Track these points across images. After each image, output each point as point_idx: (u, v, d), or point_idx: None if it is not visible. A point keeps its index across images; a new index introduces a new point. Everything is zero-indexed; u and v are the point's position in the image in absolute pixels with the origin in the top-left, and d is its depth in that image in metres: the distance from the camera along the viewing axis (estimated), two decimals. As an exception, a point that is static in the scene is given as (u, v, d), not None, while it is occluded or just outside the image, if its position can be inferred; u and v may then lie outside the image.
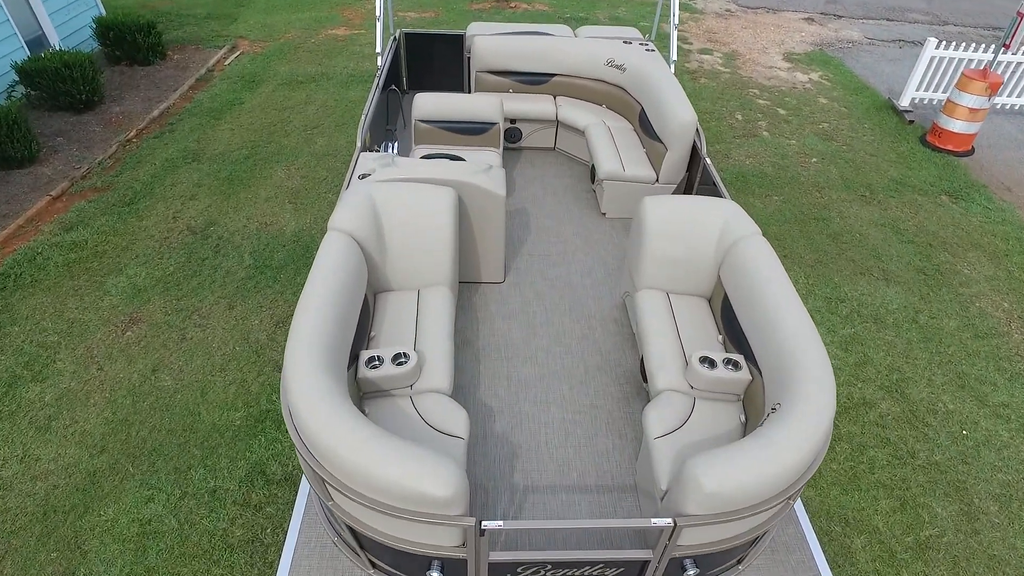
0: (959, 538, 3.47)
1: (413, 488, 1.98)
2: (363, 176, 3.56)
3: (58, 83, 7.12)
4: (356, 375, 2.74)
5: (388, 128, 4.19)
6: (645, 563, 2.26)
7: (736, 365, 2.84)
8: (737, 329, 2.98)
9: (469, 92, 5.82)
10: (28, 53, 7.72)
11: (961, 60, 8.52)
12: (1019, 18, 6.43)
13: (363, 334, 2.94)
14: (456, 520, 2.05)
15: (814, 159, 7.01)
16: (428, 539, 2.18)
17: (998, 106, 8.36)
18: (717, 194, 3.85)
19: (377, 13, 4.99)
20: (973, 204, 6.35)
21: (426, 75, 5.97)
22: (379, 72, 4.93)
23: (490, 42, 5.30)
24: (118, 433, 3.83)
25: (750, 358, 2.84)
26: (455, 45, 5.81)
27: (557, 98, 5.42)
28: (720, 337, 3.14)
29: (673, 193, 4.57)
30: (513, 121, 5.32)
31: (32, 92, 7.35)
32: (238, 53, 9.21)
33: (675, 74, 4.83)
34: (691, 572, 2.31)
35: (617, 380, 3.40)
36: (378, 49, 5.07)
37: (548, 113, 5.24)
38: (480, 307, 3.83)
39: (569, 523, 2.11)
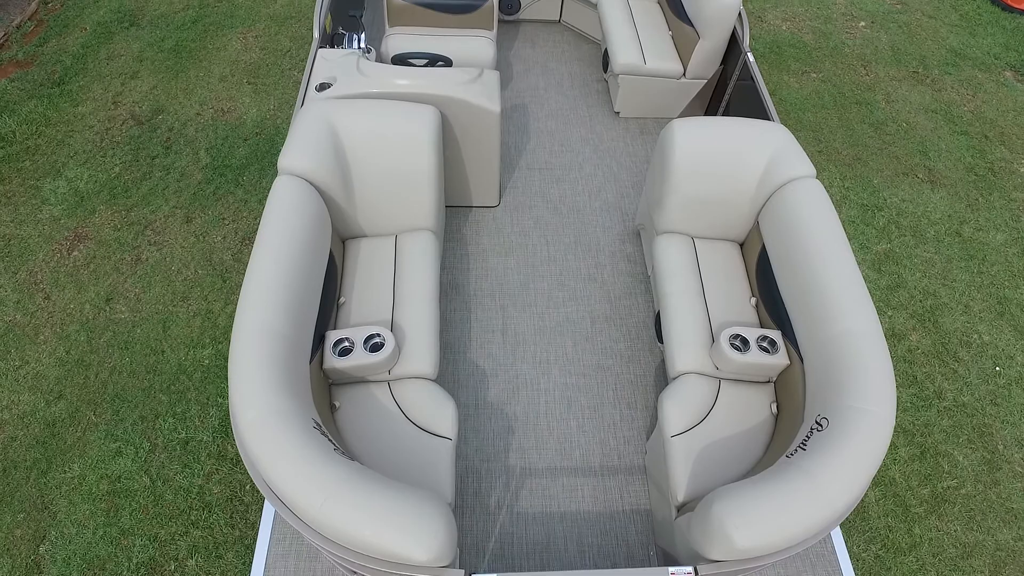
0: (978, 490, 3.30)
1: (389, 551, 1.64)
2: (321, 87, 2.82)
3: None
4: (323, 363, 2.31)
5: (352, 15, 3.32)
6: None
7: (772, 345, 2.40)
8: (775, 294, 2.49)
9: None
10: None
11: None
12: None
13: (330, 304, 2.45)
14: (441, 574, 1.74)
15: (862, 23, 5.98)
16: None
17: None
18: (756, 98, 3.14)
19: None
20: (1040, 83, 5.51)
21: None
22: None
23: None
24: (74, 376, 3.48)
25: (788, 333, 2.39)
26: None
27: None
28: (753, 300, 2.66)
29: (704, 91, 3.79)
30: None
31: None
32: None
33: None
34: None
35: (627, 334, 2.98)
36: None
37: None
38: (471, 239, 3.29)
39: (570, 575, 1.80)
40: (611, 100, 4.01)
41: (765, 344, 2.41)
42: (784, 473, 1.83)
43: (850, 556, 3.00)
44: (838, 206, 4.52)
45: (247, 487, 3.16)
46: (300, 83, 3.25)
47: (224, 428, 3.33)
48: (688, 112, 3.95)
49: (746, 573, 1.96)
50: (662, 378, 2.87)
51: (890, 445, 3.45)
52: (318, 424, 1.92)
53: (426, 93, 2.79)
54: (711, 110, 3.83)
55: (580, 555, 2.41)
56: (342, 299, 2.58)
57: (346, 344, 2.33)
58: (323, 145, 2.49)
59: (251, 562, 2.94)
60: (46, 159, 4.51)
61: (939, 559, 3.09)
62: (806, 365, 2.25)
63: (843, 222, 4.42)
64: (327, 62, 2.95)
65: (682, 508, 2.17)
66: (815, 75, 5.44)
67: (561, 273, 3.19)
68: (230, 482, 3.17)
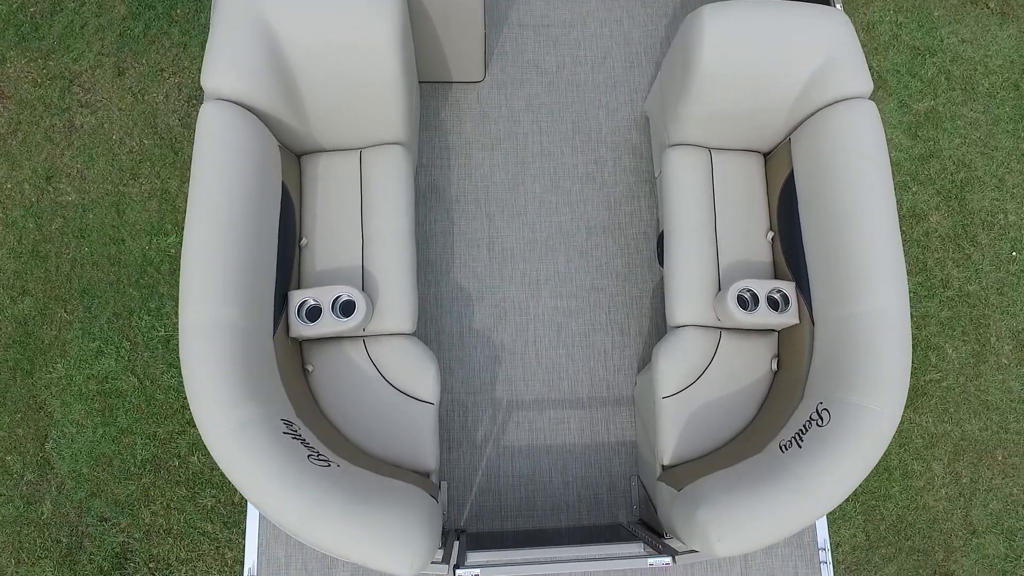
0: (958, 382, 3.36)
1: (370, 566, 1.65)
2: None
3: None
4: (288, 330, 2.10)
5: None
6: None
7: (784, 301, 2.19)
8: (795, 236, 2.20)
9: None
10: None
11: None
12: None
13: (290, 252, 2.16)
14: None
15: None
16: None
17: None
18: None
19: None
20: None
21: None
22: None
23: None
24: (34, 270, 3.27)
25: (803, 287, 2.17)
26: None
27: None
28: (770, 235, 2.37)
29: None
30: None
31: None
32: None
33: None
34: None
35: (625, 247, 2.73)
36: None
37: None
38: (451, 126, 2.82)
39: (556, 552, 1.86)
40: None
41: (777, 297, 2.19)
42: (775, 477, 1.78)
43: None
44: (885, 49, 3.86)
45: (236, 386, 3.18)
46: None
47: (204, 325, 3.23)
48: None
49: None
50: (659, 299, 2.69)
51: (882, 338, 3.42)
52: (288, 424, 1.80)
53: None
54: None
55: (564, 486, 2.50)
56: (303, 240, 2.27)
57: (312, 303, 2.10)
58: (256, 52, 1.95)
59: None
60: (-73, -17, 3.67)
61: (904, 449, 3.27)
62: (817, 331, 2.07)
63: (887, 72, 3.81)
64: None
65: (667, 468, 2.18)
66: None
67: (555, 172, 2.80)
68: (219, 381, 3.17)
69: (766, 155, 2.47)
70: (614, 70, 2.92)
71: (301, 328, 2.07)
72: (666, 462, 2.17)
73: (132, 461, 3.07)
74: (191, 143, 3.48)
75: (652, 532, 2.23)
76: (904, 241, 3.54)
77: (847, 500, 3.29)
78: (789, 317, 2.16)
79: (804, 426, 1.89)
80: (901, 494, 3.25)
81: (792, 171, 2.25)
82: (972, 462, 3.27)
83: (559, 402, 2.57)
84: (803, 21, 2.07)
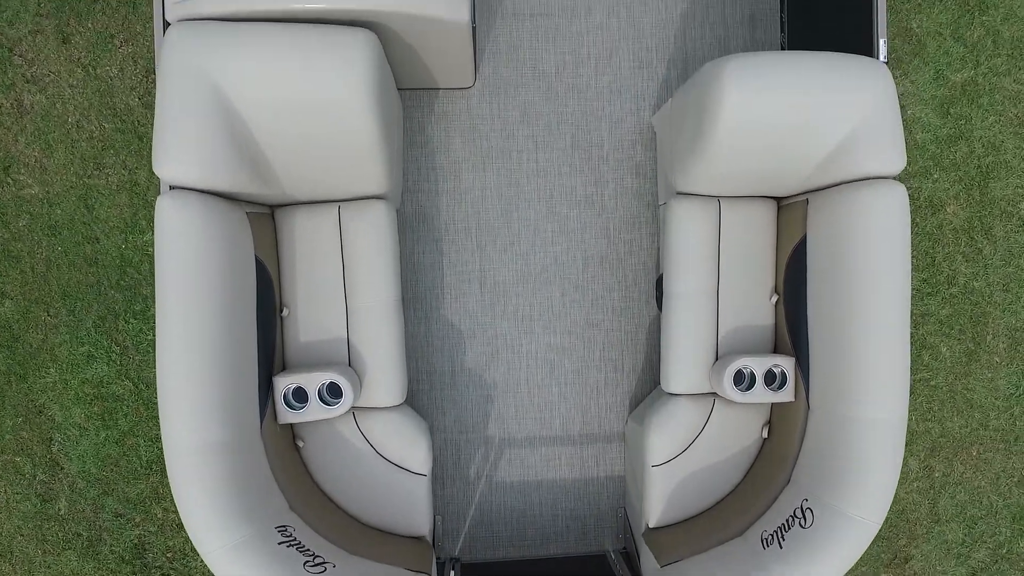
0: (947, 381, 3.40)
1: None
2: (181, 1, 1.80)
3: None
4: (276, 416, 2.07)
5: None
6: None
7: (783, 379, 2.14)
8: (800, 309, 2.11)
9: None
10: None
11: None
12: None
13: (271, 329, 2.07)
14: None
15: None
16: None
17: None
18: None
19: None
20: None
21: None
22: None
23: None
24: (8, 270, 3.15)
25: (802, 363, 2.12)
26: None
27: None
28: (774, 300, 2.25)
29: None
30: None
31: None
32: None
33: None
34: None
35: (623, 280, 2.63)
36: None
37: None
38: (439, 144, 2.58)
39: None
40: None
41: (775, 371, 2.14)
42: None
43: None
44: (930, 5, 3.41)
45: (232, 389, 3.20)
46: None
47: (192, 329, 3.18)
48: None
49: None
50: (654, 334, 2.64)
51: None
52: (283, 530, 1.84)
53: (351, 8, 1.78)
54: None
55: (554, 518, 2.62)
56: (285, 311, 2.15)
57: (294, 385, 2.05)
58: (211, 131, 1.73)
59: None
60: None
61: (884, 445, 3.39)
62: (811, 416, 2.05)
63: (927, 35, 3.40)
64: None
65: (652, 529, 2.27)
66: None
67: (552, 195, 2.60)
68: (214, 383, 3.19)
69: (780, 200, 2.28)
70: (620, 71, 2.60)
71: (288, 415, 2.04)
72: (652, 524, 2.25)
73: (138, 462, 3.18)
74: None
75: (632, 571, 2.38)
76: (915, 234, 3.39)
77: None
78: (785, 395, 2.13)
79: (787, 522, 1.94)
80: (874, 483, 3.42)
81: (805, 237, 2.09)
82: (947, 457, 3.41)
83: (551, 439, 2.61)
84: (840, 83, 1.81)
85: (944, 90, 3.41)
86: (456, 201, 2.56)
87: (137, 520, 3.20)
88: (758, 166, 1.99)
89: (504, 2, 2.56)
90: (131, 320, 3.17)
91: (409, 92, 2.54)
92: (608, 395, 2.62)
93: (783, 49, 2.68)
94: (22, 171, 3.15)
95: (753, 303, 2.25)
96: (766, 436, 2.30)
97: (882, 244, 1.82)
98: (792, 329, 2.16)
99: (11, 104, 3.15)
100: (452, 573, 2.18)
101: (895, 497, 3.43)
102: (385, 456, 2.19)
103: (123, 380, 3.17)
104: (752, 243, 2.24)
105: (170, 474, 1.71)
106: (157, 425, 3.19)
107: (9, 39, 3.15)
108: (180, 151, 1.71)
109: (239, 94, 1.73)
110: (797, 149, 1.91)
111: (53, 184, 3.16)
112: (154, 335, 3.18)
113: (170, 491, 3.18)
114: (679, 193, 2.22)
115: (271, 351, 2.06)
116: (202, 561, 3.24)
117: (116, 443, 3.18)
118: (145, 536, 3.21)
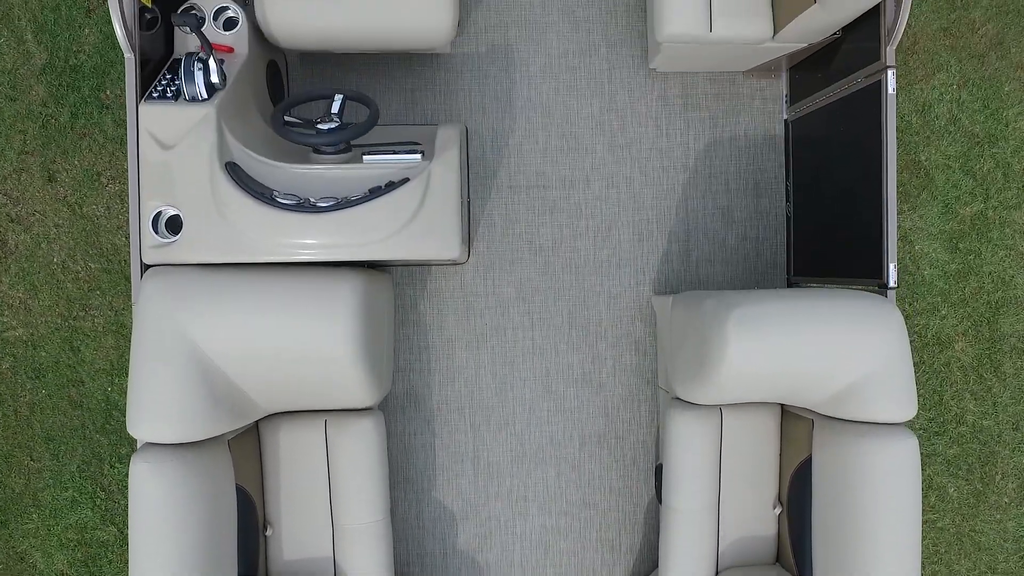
0: (954, 523, 3.31)
1: None
2: (158, 223, 1.73)
3: None
4: None
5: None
6: None
7: None
8: (805, 528, 2.03)
9: None
10: None
11: None
12: None
13: (253, 553, 1.98)
14: None
15: None
16: None
17: None
18: (871, 148, 1.99)
19: None
20: None
21: None
22: None
23: None
24: (-9, 415, 3.07)
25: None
26: None
27: None
28: (778, 510, 2.17)
29: (798, 52, 2.34)
30: None
31: None
32: None
33: None
34: None
35: (621, 459, 2.54)
36: None
37: None
38: (432, 322, 2.51)
39: None
40: (645, 42, 2.50)
41: None
42: None
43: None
44: (941, 133, 3.32)
45: (219, 535, 3.12)
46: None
47: (179, 473, 3.10)
48: (761, 72, 2.51)
49: None
50: (652, 514, 2.55)
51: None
52: None
53: (341, 254, 1.70)
54: (802, 81, 2.44)
55: None
56: (269, 530, 2.07)
57: None
58: (186, 380, 1.65)
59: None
60: None
61: (889, 590, 3.30)
62: None
63: (936, 168, 3.31)
64: (161, 119, 1.72)
65: None
66: None
67: (548, 373, 2.51)
68: (201, 529, 3.11)
69: (783, 409, 2.20)
70: (619, 244, 2.52)
71: None
72: None
73: (123, 610, 3.10)
74: (142, 267, 3.10)
75: None
76: (923, 371, 3.30)
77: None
78: None
79: None
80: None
81: (810, 457, 2.00)
82: (954, 601, 3.32)
83: None
84: (848, 334, 1.74)
85: (953, 224, 3.32)
86: (449, 380, 2.48)
87: (121, 670, 3.12)
88: (763, 395, 1.91)
89: (499, 174, 2.47)
90: (116, 464, 3.09)
91: (401, 268, 2.46)
92: None
93: (788, 219, 2.60)
94: (6, 313, 3.08)
95: (756, 514, 2.17)
96: None
97: (891, 495, 1.74)
98: (796, 545, 2.08)
99: (-5, 244, 3.08)
100: None
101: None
102: None
103: (108, 526, 3.09)
104: (755, 452, 2.16)
105: None
106: (143, 572, 3.11)
107: (-7, 177, 3.08)
108: (155, 411, 1.64)
109: (216, 347, 1.66)
110: (804, 388, 1.82)
111: (38, 326, 3.08)
112: (140, 480, 3.11)
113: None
114: (677, 400, 2.14)
115: (253, 573, 1.98)
116: None
117: (100, 591, 3.10)
118: None
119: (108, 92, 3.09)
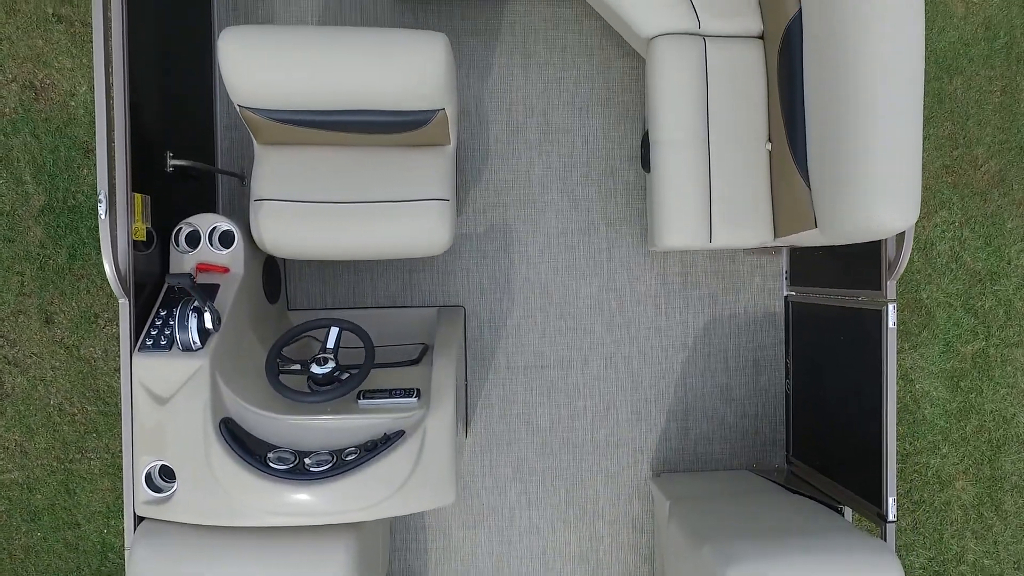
0: (954, 663, 3.29)
1: None
2: (153, 502, 1.73)
3: None
4: None
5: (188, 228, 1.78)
6: None
7: None
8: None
9: None
10: None
11: None
12: None
13: None
14: None
15: None
16: None
17: None
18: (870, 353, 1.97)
19: None
20: None
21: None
22: None
23: None
24: (-13, 559, 3.06)
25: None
26: None
27: None
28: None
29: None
30: None
31: None
32: None
33: None
34: None
35: None
36: None
37: None
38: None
39: None
40: (644, 220, 2.48)
41: None
42: None
43: None
44: (943, 271, 3.31)
45: None
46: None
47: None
48: (761, 250, 2.50)
49: None
50: None
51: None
52: None
53: (333, 521, 1.68)
54: (803, 258, 2.42)
55: None
56: None
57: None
58: None
59: None
60: None
61: None
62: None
63: (936, 305, 3.30)
64: (155, 371, 1.71)
65: None
66: (998, -10, 3.30)
67: (545, 551, 2.49)
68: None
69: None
70: (618, 424, 2.50)
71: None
72: None
73: None
74: (139, 410, 3.09)
75: None
76: (923, 510, 3.29)
77: None
78: None
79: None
80: None
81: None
82: None
83: None
84: None
85: (954, 362, 3.31)
86: (446, 559, 2.47)
87: None
88: None
89: (497, 355, 2.46)
90: (112, 609, 3.08)
91: None
92: None
93: (787, 396, 2.58)
94: (1, 456, 3.07)
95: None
96: None
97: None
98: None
99: (-9, 386, 3.07)
100: None
101: None
102: None
103: (103, 670, 3.08)
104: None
105: None
106: None
107: (-10, 319, 3.07)
108: None
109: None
110: None
111: (33, 469, 3.07)
112: (135, 624, 3.09)
113: None
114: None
115: None
116: None
117: None
118: None
119: (106, 232, 3.08)
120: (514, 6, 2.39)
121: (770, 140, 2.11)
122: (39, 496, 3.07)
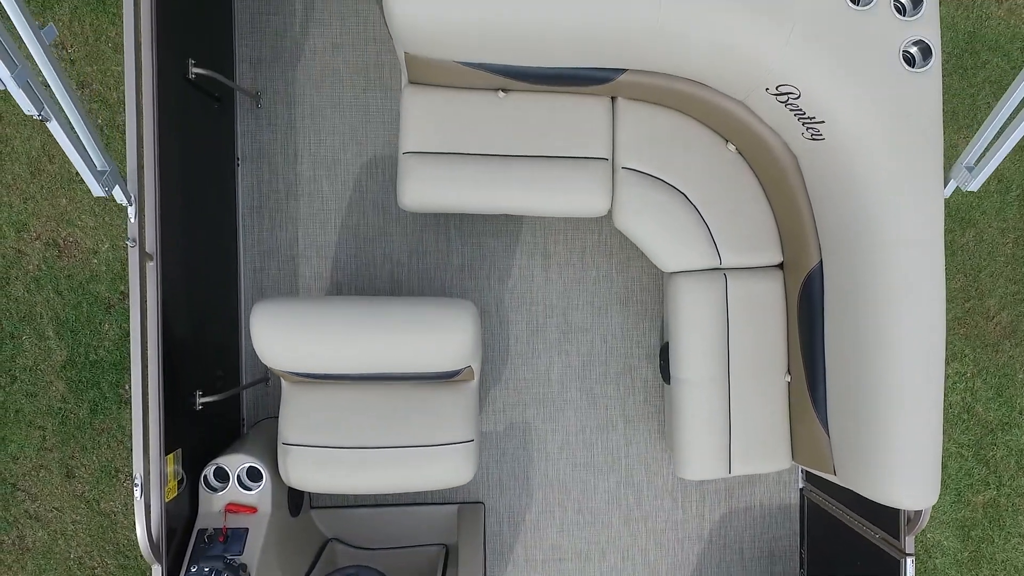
0: None
1: None
2: None
3: None
4: None
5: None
6: None
7: None
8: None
9: None
10: None
11: None
12: None
13: None
14: None
15: None
16: None
17: None
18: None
19: None
20: None
21: None
22: None
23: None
24: None
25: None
26: None
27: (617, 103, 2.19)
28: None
29: None
30: None
31: None
32: None
33: None
34: None
35: None
36: None
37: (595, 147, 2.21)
38: None
39: None
40: (662, 416, 2.52)
41: None
42: None
43: None
44: (955, 422, 3.33)
45: None
46: None
47: None
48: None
49: None
50: None
51: None
52: None
53: None
54: None
55: None
56: None
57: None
58: None
59: None
60: None
61: None
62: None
63: (948, 456, 3.32)
64: None
65: None
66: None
67: None
68: None
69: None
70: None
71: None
72: None
73: None
74: (158, 564, 3.13)
75: None
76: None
77: None
78: None
79: None
80: None
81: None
82: None
83: None
84: None
85: (965, 512, 3.33)
86: None
87: None
88: None
89: (516, 549, 2.49)
90: None
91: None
92: None
93: None
94: (23, 609, 3.10)
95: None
96: None
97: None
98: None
99: (12, 541, 3.10)
100: None
101: None
102: None
103: None
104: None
105: None
106: None
107: (13, 474, 3.10)
108: None
109: None
110: None
111: (54, 622, 3.10)
112: None
113: None
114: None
115: None
116: None
117: None
118: None
119: (127, 387, 3.12)
120: None
121: (789, 372, 2.15)
122: (59, 649, 3.10)
